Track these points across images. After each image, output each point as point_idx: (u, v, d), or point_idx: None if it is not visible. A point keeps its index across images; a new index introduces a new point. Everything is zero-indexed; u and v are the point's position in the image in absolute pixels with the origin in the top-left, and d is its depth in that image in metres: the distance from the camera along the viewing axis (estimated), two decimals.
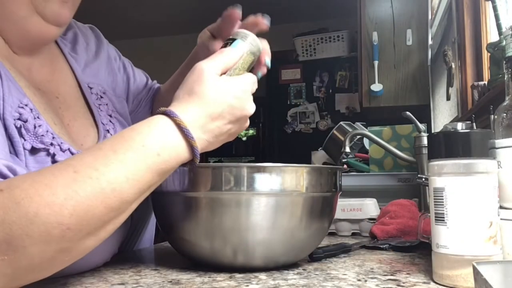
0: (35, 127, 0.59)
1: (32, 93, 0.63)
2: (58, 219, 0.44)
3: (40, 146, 0.58)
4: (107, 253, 0.66)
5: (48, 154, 0.59)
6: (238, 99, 0.57)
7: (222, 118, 0.56)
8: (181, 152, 0.53)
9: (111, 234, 0.61)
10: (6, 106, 0.56)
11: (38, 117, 0.60)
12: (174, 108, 0.54)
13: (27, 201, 0.43)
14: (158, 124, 0.53)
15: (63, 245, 0.45)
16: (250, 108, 0.59)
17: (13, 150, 0.56)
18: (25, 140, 0.57)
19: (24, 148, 0.57)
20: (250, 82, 0.60)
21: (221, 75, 0.58)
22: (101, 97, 0.78)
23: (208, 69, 0.56)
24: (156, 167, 0.51)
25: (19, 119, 0.57)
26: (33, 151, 0.58)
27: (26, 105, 0.59)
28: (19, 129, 0.57)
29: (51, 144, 0.60)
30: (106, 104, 0.78)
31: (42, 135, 0.59)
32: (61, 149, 0.61)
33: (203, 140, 0.55)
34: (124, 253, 0.79)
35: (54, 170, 0.48)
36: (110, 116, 0.77)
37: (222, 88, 0.56)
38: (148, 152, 0.50)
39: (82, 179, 0.46)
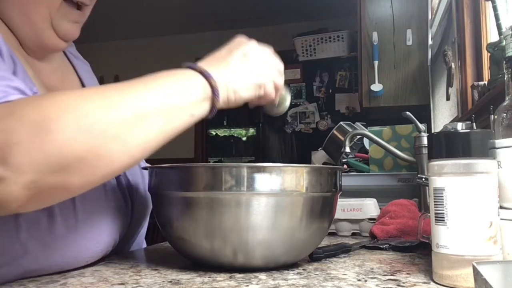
0: None
1: (39, 87, 0.66)
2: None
3: None
4: (104, 244, 0.66)
5: None
6: (234, 43, 0.63)
7: (227, 57, 0.61)
8: (189, 74, 0.57)
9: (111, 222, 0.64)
10: None
11: None
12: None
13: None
14: (176, 70, 0.58)
15: (94, 133, 0.47)
16: (254, 48, 0.63)
17: None
18: None
19: None
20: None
21: None
22: None
23: None
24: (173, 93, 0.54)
25: None
26: None
27: (36, 93, 0.62)
28: None
29: None
30: None
31: None
32: None
33: (213, 67, 0.58)
34: (124, 253, 0.79)
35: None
36: None
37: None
38: (169, 85, 0.55)
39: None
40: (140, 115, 0.50)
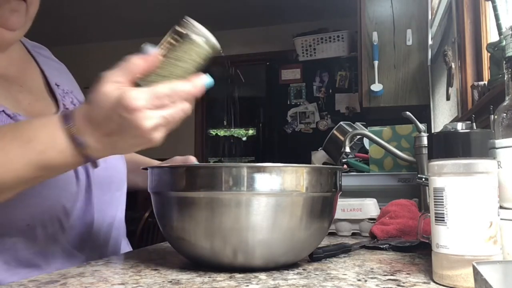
0: None
1: None
2: None
3: None
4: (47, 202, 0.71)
5: None
6: (113, 111, 0.53)
7: (105, 126, 0.55)
8: (65, 151, 0.56)
9: None
10: None
11: None
12: (73, 111, 0.57)
13: None
14: (50, 123, 0.56)
15: None
16: (136, 122, 0.52)
17: None
18: None
19: None
20: (143, 97, 0.52)
21: (132, 82, 0.55)
22: (67, 93, 0.86)
23: (106, 77, 0.55)
24: (36, 160, 0.55)
25: None
26: None
27: None
28: None
29: None
30: (71, 98, 0.85)
31: None
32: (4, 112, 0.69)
33: (90, 139, 0.55)
34: (123, 253, 0.79)
35: None
36: (74, 105, 0.84)
37: (103, 97, 0.54)
38: (32, 147, 0.55)
39: None
40: None
